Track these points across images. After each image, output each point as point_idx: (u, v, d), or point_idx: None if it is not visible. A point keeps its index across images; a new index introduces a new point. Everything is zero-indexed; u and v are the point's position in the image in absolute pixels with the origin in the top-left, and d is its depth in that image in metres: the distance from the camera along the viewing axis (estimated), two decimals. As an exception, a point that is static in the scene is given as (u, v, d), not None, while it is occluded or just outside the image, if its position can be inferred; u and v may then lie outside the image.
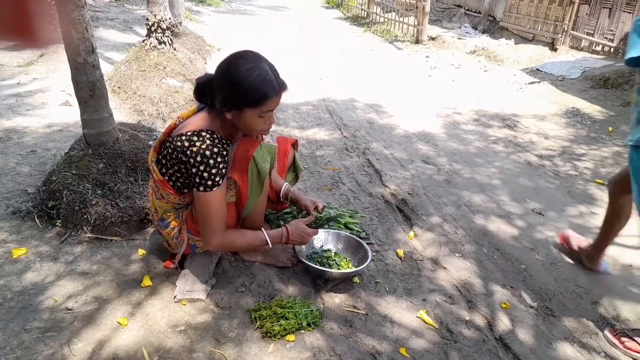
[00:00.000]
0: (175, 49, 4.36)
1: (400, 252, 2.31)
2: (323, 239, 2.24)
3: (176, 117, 1.89)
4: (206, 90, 1.77)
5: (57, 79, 4.36)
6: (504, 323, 1.90)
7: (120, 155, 2.39)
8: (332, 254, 2.18)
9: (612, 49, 6.73)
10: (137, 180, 2.40)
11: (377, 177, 3.14)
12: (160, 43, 4.19)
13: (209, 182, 1.70)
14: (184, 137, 1.71)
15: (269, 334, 1.71)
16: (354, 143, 3.70)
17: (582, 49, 7.10)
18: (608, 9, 6.71)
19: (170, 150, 1.77)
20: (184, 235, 1.96)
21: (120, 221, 2.21)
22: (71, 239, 2.16)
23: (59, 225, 2.19)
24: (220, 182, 1.73)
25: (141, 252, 2.14)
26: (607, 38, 6.81)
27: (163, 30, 4.18)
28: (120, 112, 3.72)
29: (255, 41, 7.58)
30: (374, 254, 2.28)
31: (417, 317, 1.90)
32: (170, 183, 1.84)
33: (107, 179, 2.29)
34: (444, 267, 2.24)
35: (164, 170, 1.83)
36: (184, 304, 1.85)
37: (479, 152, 3.72)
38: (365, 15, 11.31)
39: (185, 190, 1.86)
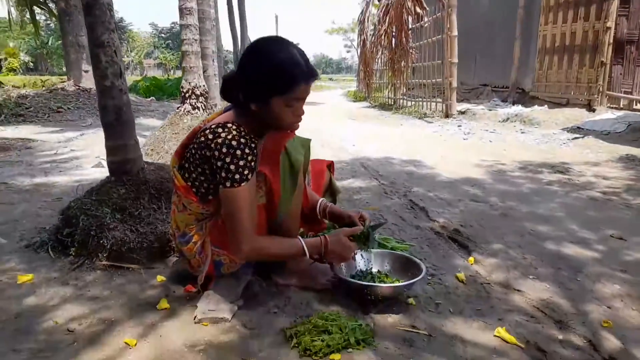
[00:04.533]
0: (208, 115, 4.42)
1: (461, 275, 1.95)
2: (366, 258, 1.91)
3: (201, 121, 1.75)
4: (232, 86, 1.62)
5: (93, 150, 4.44)
6: (611, 342, 1.46)
7: (144, 182, 2.23)
8: (382, 275, 1.84)
9: (654, 105, 6.49)
10: (160, 208, 2.20)
11: (422, 213, 2.84)
12: (194, 108, 4.26)
13: (237, 176, 1.48)
14: (207, 131, 1.54)
15: (308, 352, 1.35)
16: (393, 188, 3.45)
17: (622, 108, 6.88)
18: (642, 67, 6.60)
19: (193, 151, 1.59)
20: (208, 250, 1.69)
21: (140, 247, 1.97)
22: (84, 266, 1.92)
23: (73, 253, 1.97)
24: (249, 176, 1.51)
25: (160, 278, 1.87)
26: (647, 95, 6.61)
27: (197, 97, 4.28)
28: (152, 170, 3.66)
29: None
30: (429, 277, 1.93)
31: (495, 335, 1.49)
32: (194, 190, 1.63)
33: (128, 204, 2.10)
34: (518, 290, 1.85)
35: (186, 175, 1.64)
36: (206, 325, 1.53)
37: (532, 192, 3.38)
38: (392, 103, 11.65)
39: (210, 197, 1.64)
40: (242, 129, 1.54)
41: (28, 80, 13.09)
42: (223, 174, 1.49)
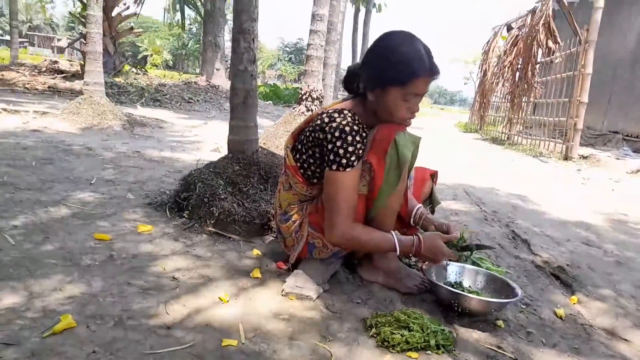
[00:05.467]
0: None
1: (561, 312, 1.80)
2: (458, 272, 1.86)
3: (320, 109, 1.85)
4: (355, 77, 1.70)
5: (213, 137, 4.85)
6: None
7: (256, 163, 2.40)
8: (473, 291, 1.77)
9: None
10: (266, 189, 2.35)
11: (524, 245, 2.67)
12: (308, 110, 4.47)
13: (344, 161, 1.55)
14: (324, 115, 1.63)
15: (385, 343, 1.36)
16: (495, 217, 3.29)
17: None
18: None
19: (308, 134, 1.69)
20: (304, 231, 1.77)
21: (243, 220, 2.12)
22: (194, 229, 2.12)
23: (186, 216, 2.18)
24: (355, 163, 1.57)
25: (256, 252, 2.00)
26: None
27: (313, 100, 4.48)
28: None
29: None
30: (522, 306, 1.82)
31: (592, 376, 1.37)
32: (301, 171, 1.73)
33: (239, 180, 2.28)
34: (625, 340, 1.67)
35: (297, 156, 1.74)
36: (292, 299, 1.61)
37: (658, 248, 3.01)
38: (505, 138, 11.09)
39: (315, 181, 1.73)
40: (356, 118, 1.61)
41: (167, 74, 14.74)
42: (331, 157, 1.57)
